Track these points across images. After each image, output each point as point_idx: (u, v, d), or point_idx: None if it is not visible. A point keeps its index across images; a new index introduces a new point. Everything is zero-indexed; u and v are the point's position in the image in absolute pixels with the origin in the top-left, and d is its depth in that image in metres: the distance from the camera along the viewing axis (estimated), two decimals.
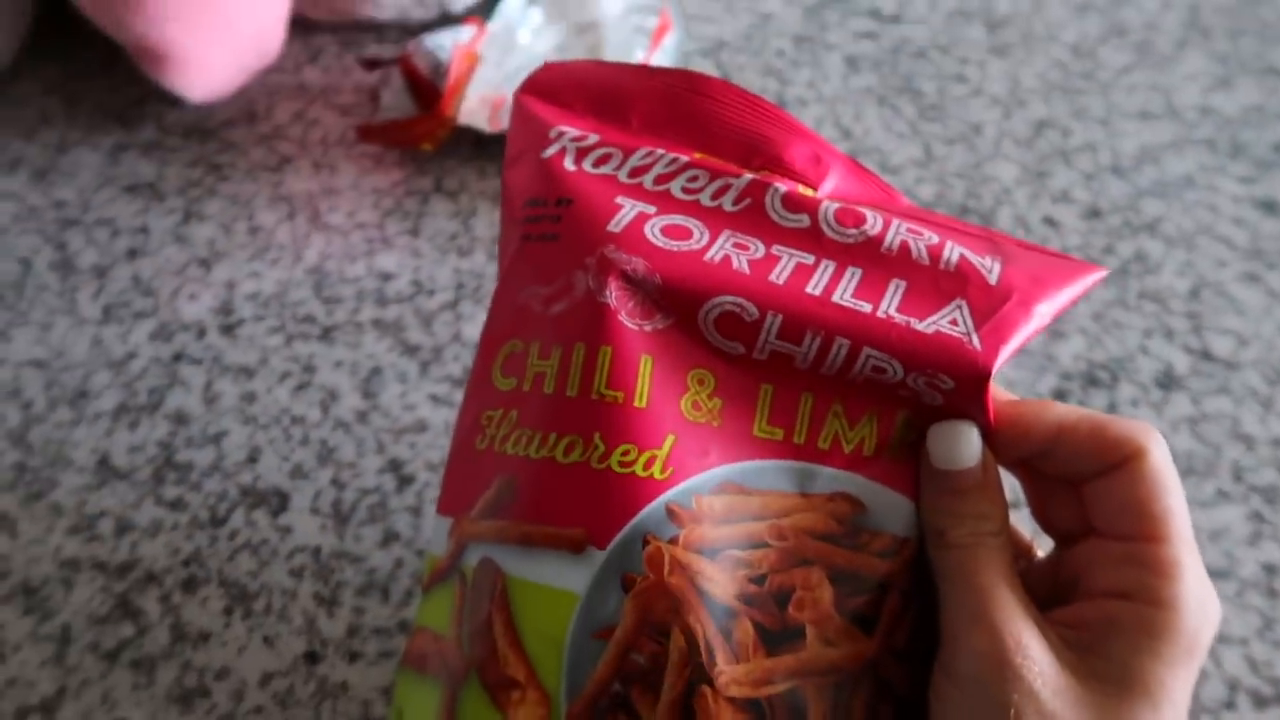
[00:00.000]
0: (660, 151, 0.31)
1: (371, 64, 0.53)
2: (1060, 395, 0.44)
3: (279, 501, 0.40)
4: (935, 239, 0.29)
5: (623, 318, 0.27)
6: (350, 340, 0.45)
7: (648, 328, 0.27)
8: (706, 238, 0.28)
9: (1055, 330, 0.47)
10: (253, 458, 0.41)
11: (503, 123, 0.50)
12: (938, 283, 0.28)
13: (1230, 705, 0.36)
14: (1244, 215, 0.52)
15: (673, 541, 0.26)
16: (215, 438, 0.41)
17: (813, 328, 0.27)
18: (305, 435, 0.42)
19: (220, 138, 0.53)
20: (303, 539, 0.39)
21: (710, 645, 0.25)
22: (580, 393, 0.27)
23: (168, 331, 0.45)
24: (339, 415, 0.42)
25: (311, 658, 0.36)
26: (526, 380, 0.28)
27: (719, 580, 0.26)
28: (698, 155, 0.31)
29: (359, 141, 0.53)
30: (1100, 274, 0.29)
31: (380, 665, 0.36)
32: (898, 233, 0.29)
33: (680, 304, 0.27)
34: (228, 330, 0.45)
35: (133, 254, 0.48)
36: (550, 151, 0.31)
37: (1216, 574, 0.39)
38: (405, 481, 0.40)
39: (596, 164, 0.31)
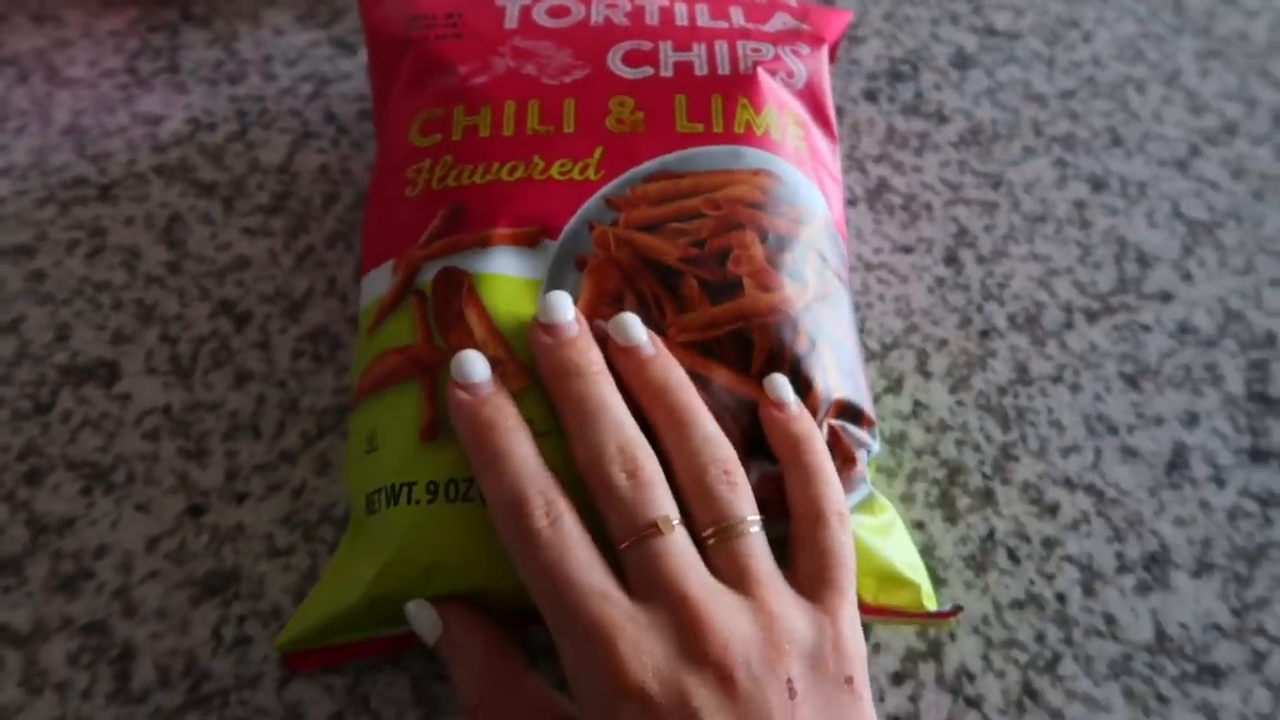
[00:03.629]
0: None
1: None
2: (871, 94, 0.45)
3: (108, 372, 0.36)
4: None
5: (545, 79, 0.33)
6: (135, 193, 0.40)
7: (567, 79, 0.33)
8: (583, 10, 0.35)
9: (853, 36, 0.48)
10: (62, 335, 0.37)
11: None
12: (761, 9, 0.37)
13: (1069, 325, 0.39)
14: None
15: (614, 224, 0.31)
16: (12, 325, 0.37)
17: (695, 39, 0.34)
18: (116, 300, 0.38)
19: None
20: (148, 401, 0.36)
21: (660, 300, 0.30)
22: (516, 132, 0.32)
23: None
24: (148, 271, 0.39)
25: (195, 510, 0.34)
26: (455, 132, 0.33)
27: (662, 249, 0.30)
28: None
29: None
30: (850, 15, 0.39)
31: (272, 499, 0.34)
32: None
33: (589, 58, 0.34)
34: None
35: None
36: None
37: (1036, 219, 0.42)
38: (243, 320, 0.38)
39: None
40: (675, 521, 0.26)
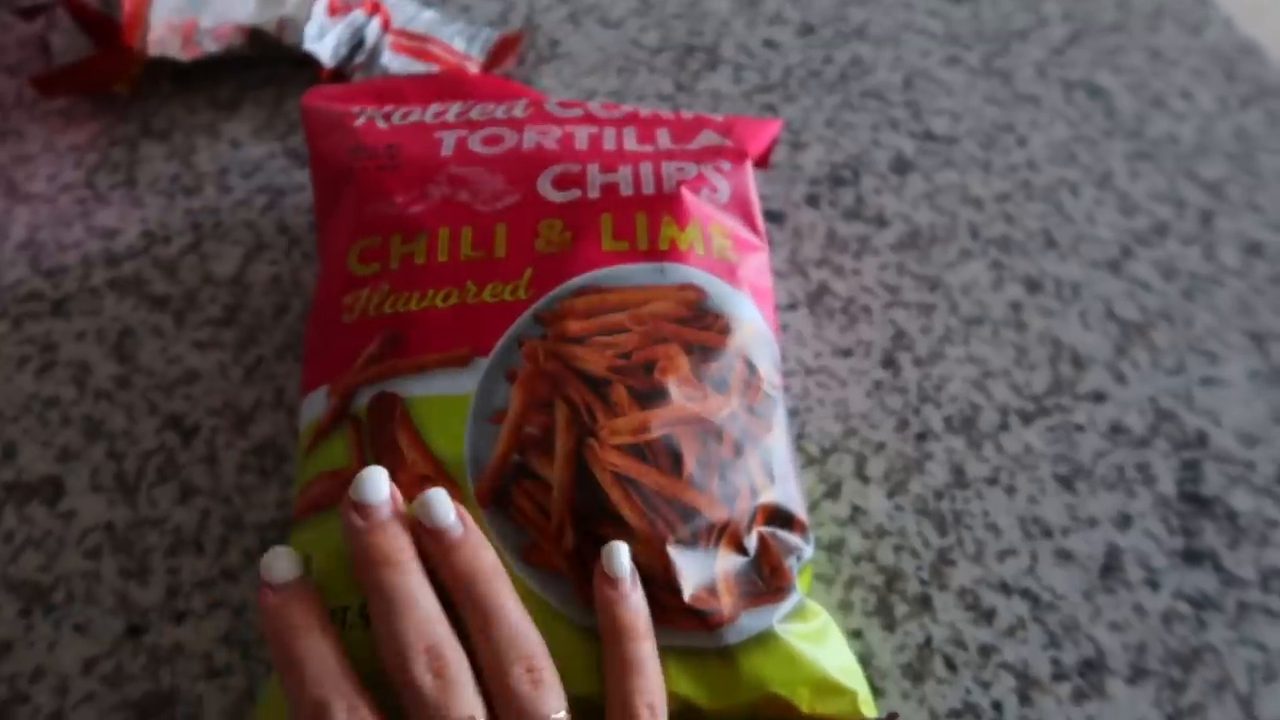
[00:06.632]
0: (448, 103, 0.40)
1: (30, 12, 0.48)
2: (813, 198, 0.47)
3: (52, 490, 0.37)
4: (667, 113, 0.40)
5: (478, 206, 0.34)
6: (88, 308, 0.41)
7: (499, 205, 0.34)
8: (516, 137, 0.37)
9: (795, 142, 0.49)
10: (8, 453, 0.37)
11: (200, 48, 0.46)
12: (687, 127, 0.39)
13: (1004, 427, 0.40)
14: (936, 7, 0.56)
15: (544, 338, 0.31)
16: None
17: (621, 162, 0.36)
18: (64, 415, 0.38)
19: None
20: (91, 519, 0.36)
21: (590, 407, 0.31)
22: (450, 259, 0.33)
23: None
24: (97, 386, 0.39)
25: (134, 630, 0.34)
26: (393, 261, 0.33)
27: (590, 359, 0.31)
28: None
29: (42, 97, 0.47)
30: (779, 123, 0.42)
31: (213, 617, 0.34)
32: (643, 112, 0.40)
33: (520, 184, 0.35)
34: None
35: None
36: (360, 122, 0.38)
37: (972, 321, 0.43)
38: (190, 434, 0.38)
39: (404, 118, 0.38)
40: None
